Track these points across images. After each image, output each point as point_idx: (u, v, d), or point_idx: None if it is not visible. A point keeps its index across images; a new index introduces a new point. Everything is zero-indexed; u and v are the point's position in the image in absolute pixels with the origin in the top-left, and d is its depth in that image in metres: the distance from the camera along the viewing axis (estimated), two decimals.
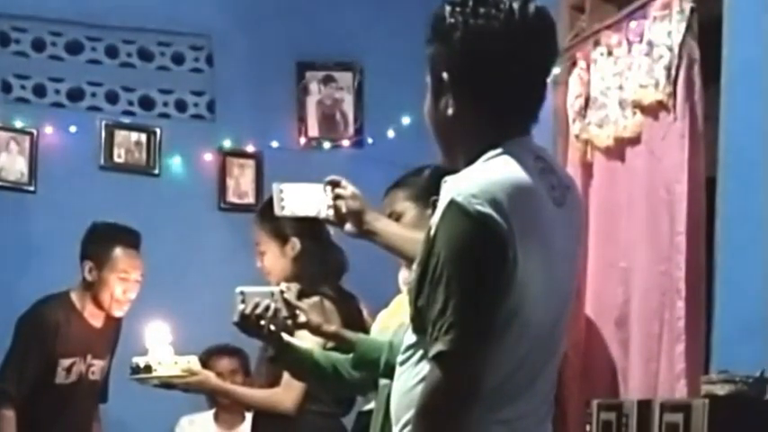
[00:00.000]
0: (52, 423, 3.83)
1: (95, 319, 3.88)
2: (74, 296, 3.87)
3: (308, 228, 3.22)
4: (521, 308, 1.67)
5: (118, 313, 3.88)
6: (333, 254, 3.33)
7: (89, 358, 3.87)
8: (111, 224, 3.89)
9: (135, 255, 3.87)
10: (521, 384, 1.71)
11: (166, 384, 3.29)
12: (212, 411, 4.42)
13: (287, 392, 3.19)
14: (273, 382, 3.24)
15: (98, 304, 3.85)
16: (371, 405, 2.83)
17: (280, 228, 3.29)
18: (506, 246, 1.64)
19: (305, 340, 2.77)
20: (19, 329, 3.83)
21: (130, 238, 3.87)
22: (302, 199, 2.50)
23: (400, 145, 4.61)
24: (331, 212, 2.45)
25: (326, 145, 4.88)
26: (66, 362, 3.81)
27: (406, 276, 2.83)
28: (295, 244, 3.30)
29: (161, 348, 3.30)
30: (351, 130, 4.90)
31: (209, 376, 3.39)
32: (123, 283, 3.83)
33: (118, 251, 3.82)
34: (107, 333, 3.93)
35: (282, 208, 2.52)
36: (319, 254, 3.30)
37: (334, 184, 2.45)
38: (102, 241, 3.85)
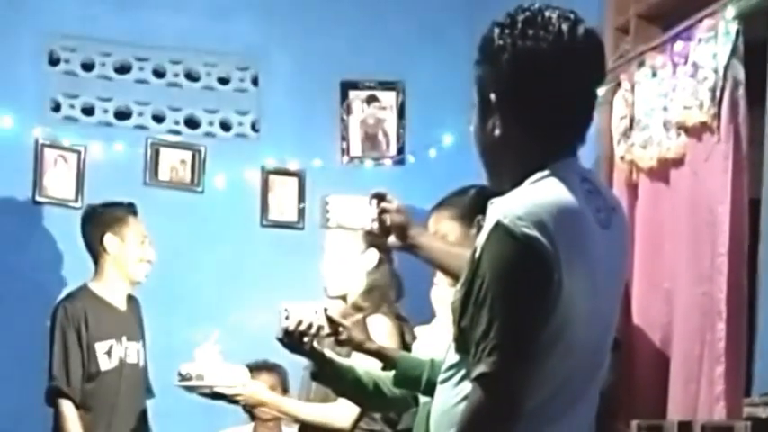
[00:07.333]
0: (108, 417, 3.89)
1: (118, 302, 4.00)
2: (92, 286, 4.00)
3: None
4: (564, 330, 1.67)
5: (142, 277, 4.01)
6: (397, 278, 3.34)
7: (124, 340, 3.96)
8: (107, 202, 4.07)
9: (140, 220, 4.04)
10: (562, 406, 1.71)
11: (216, 394, 3.19)
12: (251, 425, 4.42)
13: (344, 409, 3.13)
14: (323, 400, 3.19)
15: (125, 274, 3.97)
16: (405, 424, 2.82)
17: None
18: (551, 268, 1.64)
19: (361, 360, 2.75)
20: (52, 328, 3.93)
21: (132, 208, 4.04)
22: (348, 211, 2.52)
23: (442, 164, 4.63)
24: (376, 225, 2.47)
25: (369, 164, 4.90)
26: (103, 345, 3.90)
27: (439, 294, 2.83)
28: (373, 256, 3.22)
29: (210, 356, 3.20)
30: (393, 149, 4.92)
31: (262, 387, 3.32)
32: (143, 246, 4.00)
33: (131, 219, 4.02)
34: (132, 315, 4.04)
35: (328, 220, 2.55)
36: (392, 273, 3.31)
37: (380, 198, 2.45)
38: (114, 213, 4.00)
